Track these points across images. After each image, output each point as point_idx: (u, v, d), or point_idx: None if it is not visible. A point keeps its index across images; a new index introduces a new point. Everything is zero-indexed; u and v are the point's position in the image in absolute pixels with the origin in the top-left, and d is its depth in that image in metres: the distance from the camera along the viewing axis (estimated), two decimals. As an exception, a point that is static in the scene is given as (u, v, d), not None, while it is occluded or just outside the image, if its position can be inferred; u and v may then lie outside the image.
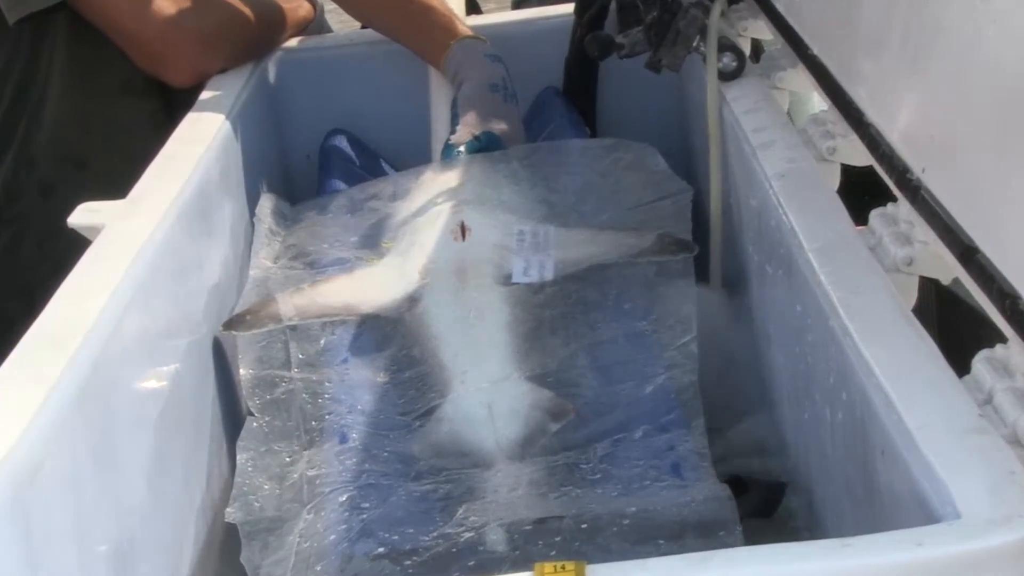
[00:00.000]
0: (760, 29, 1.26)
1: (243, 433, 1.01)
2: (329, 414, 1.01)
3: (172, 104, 1.42)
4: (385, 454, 0.97)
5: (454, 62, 1.37)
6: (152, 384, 0.92)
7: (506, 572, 0.76)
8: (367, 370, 1.05)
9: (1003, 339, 0.70)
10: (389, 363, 1.05)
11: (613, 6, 1.37)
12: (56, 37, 1.41)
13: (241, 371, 1.05)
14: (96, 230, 1.00)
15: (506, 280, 1.08)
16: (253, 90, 1.39)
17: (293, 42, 1.53)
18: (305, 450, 0.99)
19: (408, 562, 0.87)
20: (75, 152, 1.43)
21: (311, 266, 1.18)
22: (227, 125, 1.25)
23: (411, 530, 0.90)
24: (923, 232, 0.81)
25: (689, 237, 1.11)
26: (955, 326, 1.09)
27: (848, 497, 0.80)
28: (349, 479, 0.95)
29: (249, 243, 1.22)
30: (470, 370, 1.01)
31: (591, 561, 0.61)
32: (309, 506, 0.94)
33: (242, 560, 0.92)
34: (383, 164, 1.49)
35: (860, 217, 0.91)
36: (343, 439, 0.99)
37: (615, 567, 0.61)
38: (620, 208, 1.18)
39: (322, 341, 1.08)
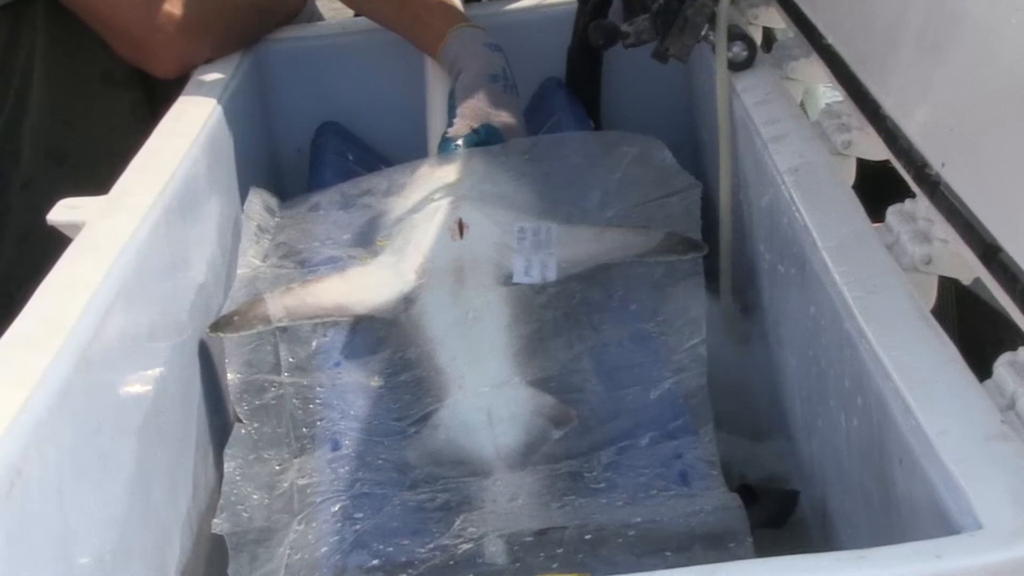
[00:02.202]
0: (772, 17, 1.26)
1: (231, 440, 1.00)
2: (320, 420, 1.01)
3: (154, 96, 1.41)
4: (379, 462, 0.96)
5: (452, 51, 1.35)
6: (135, 388, 0.91)
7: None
8: (360, 374, 1.04)
9: (1027, 341, 0.70)
10: (383, 366, 1.04)
11: (618, -7, 1.36)
12: (35, 27, 1.39)
13: (228, 375, 1.04)
14: (77, 227, 0.99)
15: (506, 280, 1.08)
16: (241, 81, 1.38)
17: (283, 31, 1.53)
18: (295, 458, 0.99)
19: (403, 575, 0.86)
20: (55, 146, 1.43)
21: (302, 265, 1.17)
22: (214, 117, 1.24)
23: (406, 541, 0.89)
24: (943, 230, 0.80)
25: (698, 235, 1.11)
26: (976, 328, 1.10)
27: (864, 506, 0.79)
28: (342, 488, 0.94)
29: (237, 241, 1.21)
30: (468, 374, 1.00)
31: (595, 573, 0.60)
32: (300, 516, 0.94)
33: (229, 573, 0.91)
34: (377, 159, 1.48)
35: (877, 214, 0.90)
36: (335, 446, 0.98)
37: (619, 580, 0.62)
38: (625, 204, 1.18)
39: (313, 343, 1.07)
